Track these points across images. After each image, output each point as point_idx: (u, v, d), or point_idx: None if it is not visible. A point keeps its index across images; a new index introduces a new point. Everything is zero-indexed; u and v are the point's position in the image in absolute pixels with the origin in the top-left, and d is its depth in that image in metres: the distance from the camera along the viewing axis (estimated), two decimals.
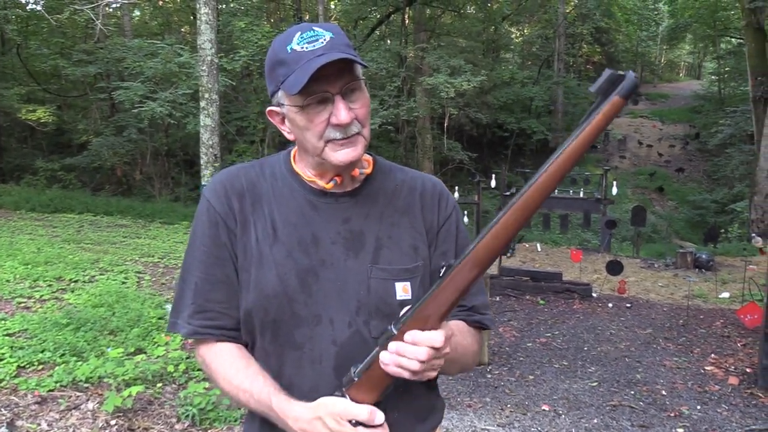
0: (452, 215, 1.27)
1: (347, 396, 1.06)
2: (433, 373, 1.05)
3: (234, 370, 1.16)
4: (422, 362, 0.99)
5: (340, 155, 1.12)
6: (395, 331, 1.02)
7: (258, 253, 1.16)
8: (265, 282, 1.14)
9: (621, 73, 0.89)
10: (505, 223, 0.95)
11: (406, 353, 0.99)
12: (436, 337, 0.98)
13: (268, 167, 1.26)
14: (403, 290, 1.17)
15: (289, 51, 1.08)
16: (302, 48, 1.07)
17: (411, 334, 0.99)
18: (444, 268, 1.00)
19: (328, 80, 1.07)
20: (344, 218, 1.19)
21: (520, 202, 0.95)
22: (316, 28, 1.10)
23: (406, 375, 1.01)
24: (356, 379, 1.06)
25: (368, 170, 1.23)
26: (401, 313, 1.04)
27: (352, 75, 1.10)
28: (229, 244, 1.19)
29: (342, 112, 1.08)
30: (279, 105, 1.15)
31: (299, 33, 1.09)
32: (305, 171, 1.22)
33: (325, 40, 1.08)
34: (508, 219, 0.95)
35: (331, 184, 1.19)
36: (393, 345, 1.01)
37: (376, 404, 1.08)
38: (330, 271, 1.15)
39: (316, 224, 1.18)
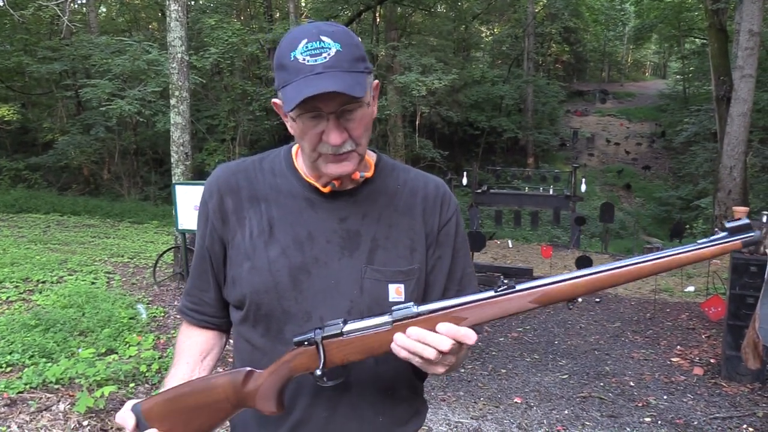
0: (452, 218, 1.26)
1: (321, 346, 1.01)
2: (440, 369, 1.02)
3: (179, 349, 1.30)
4: (441, 353, 0.97)
5: (330, 168, 1.11)
6: (416, 310, 0.99)
7: (252, 249, 1.17)
8: (258, 278, 1.15)
9: (751, 225, 0.98)
10: (586, 282, 0.99)
11: (428, 341, 0.97)
12: (469, 334, 0.97)
13: (267, 162, 1.25)
14: (396, 292, 1.16)
15: (292, 58, 1.05)
16: (304, 59, 1.03)
17: (445, 326, 0.97)
18: (505, 286, 0.99)
19: (323, 100, 1.03)
20: (341, 217, 1.18)
21: (602, 277, 0.99)
22: (324, 38, 1.05)
23: (416, 361, 0.98)
24: (344, 336, 1.02)
25: (369, 173, 1.22)
26: (433, 305, 1.01)
27: (349, 97, 1.04)
28: (210, 244, 1.23)
29: (333, 135, 1.06)
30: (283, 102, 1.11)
31: (306, 41, 1.05)
32: (304, 170, 1.21)
33: (329, 54, 1.04)
34: (589, 282, 0.99)
35: (329, 187, 1.18)
36: (415, 331, 0.97)
37: (358, 407, 1.11)
38: (323, 269, 1.15)
39: (312, 222, 1.17)
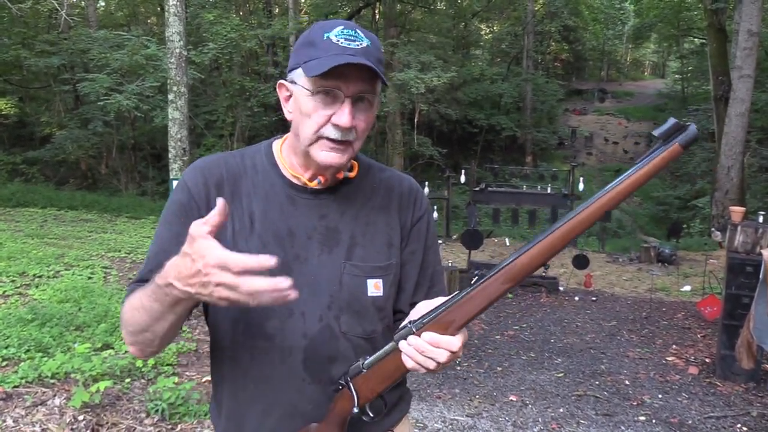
0: (424, 216, 1.30)
1: (351, 385, 1.09)
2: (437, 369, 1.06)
3: (133, 297, 1.10)
4: (440, 364, 1.01)
5: (324, 156, 1.13)
6: (414, 330, 1.03)
7: (233, 246, 1.15)
8: None
9: (685, 123, 0.95)
10: (543, 246, 1.00)
11: (427, 352, 1.01)
12: (454, 342, 1.00)
13: (248, 158, 1.25)
14: (374, 287, 1.19)
15: (324, 38, 1.09)
16: (338, 41, 1.09)
17: (430, 336, 1.01)
18: (476, 277, 1.02)
19: (347, 80, 1.08)
20: (321, 214, 1.20)
21: (561, 230, 0.99)
22: (358, 31, 1.12)
23: (422, 371, 1.04)
24: (365, 370, 1.09)
25: (352, 174, 1.24)
26: (421, 315, 1.05)
27: (369, 87, 1.11)
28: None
29: (345, 115, 1.09)
30: (292, 82, 1.15)
31: (342, 27, 1.11)
32: (292, 161, 1.22)
33: (361, 45, 1.09)
34: (548, 243, 1.00)
35: (315, 182, 1.19)
36: (413, 340, 1.02)
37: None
38: (304, 265, 1.17)
39: (293, 219, 1.18)
